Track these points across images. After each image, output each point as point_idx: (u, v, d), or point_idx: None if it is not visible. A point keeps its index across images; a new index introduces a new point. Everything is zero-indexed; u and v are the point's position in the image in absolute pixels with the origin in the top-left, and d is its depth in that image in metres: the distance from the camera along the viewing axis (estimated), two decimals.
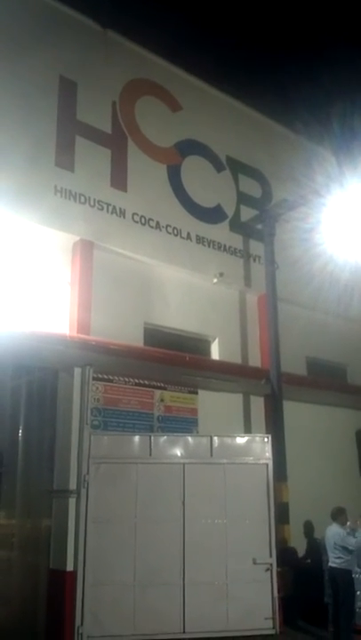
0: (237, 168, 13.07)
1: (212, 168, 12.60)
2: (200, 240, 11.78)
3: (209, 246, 11.90)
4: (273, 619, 8.79)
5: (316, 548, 9.96)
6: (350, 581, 8.54)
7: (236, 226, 12.57)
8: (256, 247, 12.54)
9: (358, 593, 8.85)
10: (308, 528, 10.66)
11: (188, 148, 12.23)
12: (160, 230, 11.16)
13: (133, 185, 10.97)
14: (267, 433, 10.28)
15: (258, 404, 11.42)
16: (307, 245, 12.63)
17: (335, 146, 15.35)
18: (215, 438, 9.43)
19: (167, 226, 11.28)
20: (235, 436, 9.67)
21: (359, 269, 13.84)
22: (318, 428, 12.05)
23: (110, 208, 10.53)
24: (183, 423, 10.35)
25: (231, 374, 10.76)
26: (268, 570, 8.91)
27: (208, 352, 11.69)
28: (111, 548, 8.46)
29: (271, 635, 8.66)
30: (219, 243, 12.09)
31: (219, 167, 12.71)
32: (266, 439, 9.72)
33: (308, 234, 12.40)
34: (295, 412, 11.36)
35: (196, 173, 12.11)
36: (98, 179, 10.51)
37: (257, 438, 9.78)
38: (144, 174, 11.23)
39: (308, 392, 11.96)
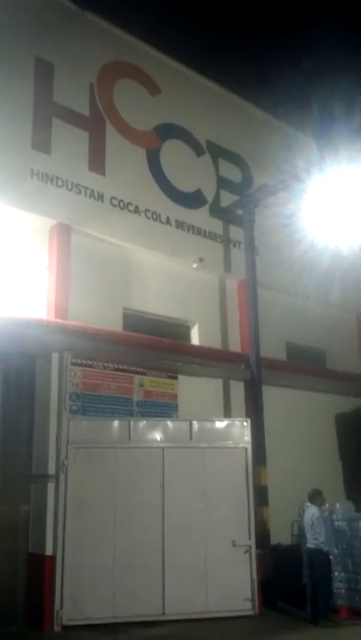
0: (217, 152, 13.00)
1: (192, 152, 12.52)
2: (180, 225, 11.73)
3: (189, 231, 11.84)
4: (252, 600, 8.86)
5: None
6: (327, 562, 8.65)
7: (216, 211, 12.52)
8: (236, 232, 12.50)
9: (335, 573, 8.97)
10: None
11: (168, 131, 12.12)
12: (139, 215, 11.08)
13: (112, 168, 10.86)
14: (246, 417, 10.31)
15: (238, 389, 11.43)
16: (287, 231, 12.61)
17: (316, 131, 15.34)
18: (195, 423, 9.44)
19: (146, 210, 11.21)
20: (214, 421, 9.69)
21: (339, 255, 13.92)
22: (298, 412, 12.10)
23: (88, 192, 10.43)
24: (163, 408, 10.33)
25: (211, 359, 10.76)
26: (247, 552, 8.97)
27: (188, 337, 11.68)
28: (90, 532, 8.46)
29: (250, 616, 8.73)
30: (198, 228, 12.04)
31: (198, 151, 12.63)
32: (245, 423, 9.75)
33: (288, 220, 12.38)
34: (275, 397, 11.39)
35: (175, 157, 12.03)
36: (75, 162, 10.39)
37: (236, 422, 9.81)
38: (123, 158, 11.13)
39: (287, 377, 11.99)
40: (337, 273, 13.95)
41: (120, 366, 9.93)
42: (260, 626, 8.42)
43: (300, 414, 12.10)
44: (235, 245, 12.52)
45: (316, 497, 8.98)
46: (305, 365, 13.02)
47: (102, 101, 11.19)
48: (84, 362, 9.50)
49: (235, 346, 11.90)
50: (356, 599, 8.86)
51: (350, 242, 13.13)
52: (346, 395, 13.25)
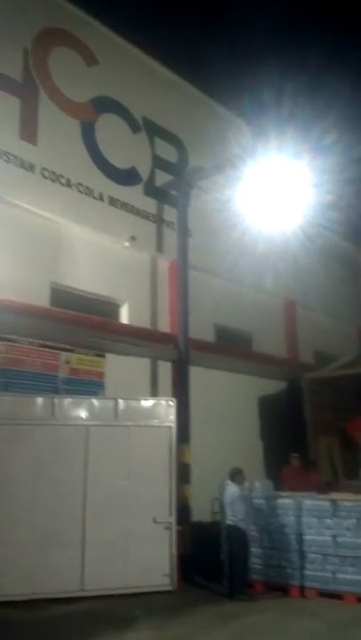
0: (154, 130, 12.87)
1: (128, 128, 12.33)
2: (113, 202, 11.57)
3: (121, 209, 11.71)
4: (171, 575, 8.97)
5: None
6: (245, 538, 8.88)
7: (151, 190, 12.43)
8: (170, 213, 12.46)
9: (253, 549, 9.22)
10: None
11: (104, 105, 11.88)
12: (71, 188, 10.84)
13: (44, 139, 10.54)
14: (173, 397, 10.37)
15: (165, 369, 11.48)
16: (222, 215, 12.74)
17: (253, 118, 15.51)
18: (120, 401, 9.39)
19: (79, 184, 10.97)
20: (140, 399, 9.68)
21: (271, 241, 14.21)
22: (223, 393, 12.32)
23: (18, 161, 10.07)
24: (89, 386, 10.21)
25: (139, 338, 10.76)
26: (167, 528, 9.07)
27: (117, 316, 11.60)
28: (9, 509, 8.27)
29: (169, 591, 8.86)
30: (132, 206, 11.92)
31: (135, 127, 12.46)
32: (171, 403, 9.81)
33: (223, 204, 12.49)
34: (202, 378, 11.54)
35: (110, 132, 11.82)
36: (5, 129, 10.01)
37: (162, 402, 9.84)
38: (56, 128, 10.82)
39: (214, 358, 12.19)
40: (267, 259, 14.26)
41: (46, 342, 9.72)
42: (177, 600, 8.54)
43: (226, 395, 12.33)
44: (168, 226, 12.49)
45: (236, 475, 9.17)
46: (232, 348, 13.25)
47: (37, 68, 10.80)
48: (8, 336, 9.22)
49: (164, 326, 11.92)
50: (272, 574, 9.13)
51: (282, 228, 13.46)
52: (269, 378, 13.63)
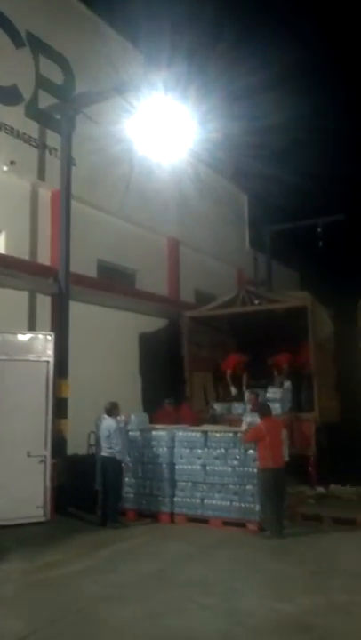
0: (39, 47, 11.91)
1: (10, 42, 11.30)
2: None
3: (0, 129, 10.88)
4: (44, 507, 9.06)
5: None
6: (119, 469, 9.11)
7: (33, 112, 11.60)
8: (53, 139, 11.76)
9: (126, 479, 9.50)
10: None
11: None
12: None
13: None
14: (52, 332, 10.14)
15: (44, 303, 11.14)
16: (110, 148, 12.29)
17: (144, 47, 14.91)
18: None
19: None
20: (16, 333, 9.40)
21: (160, 179, 14.05)
22: (104, 329, 12.26)
23: None
24: None
25: (17, 270, 10.32)
26: (42, 462, 9.07)
27: None
28: None
29: (42, 522, 8.95)
30: (12, 127, 11.09)
31: (17, 42, 11.43)
32: (49, 337, 9.63)
33: (112, 136, 12.04)
34: (82, 313, 11.38)
35: None
36: None
37: (40, 336, 9.65)
38: None
39: (96, 294, 12.03)
40: (154, 196, 14.13)
41: None
42: (50, 531, 8.65)
43: (107, 331, 12.29)
44: (51, 152, 11.83)
45: (113, 410, 9.29)
46: (114, 284, 13.14)
47: None
48: None
49: (44, 258, 11.49)
50: (143, 502, 9.51)
51: (169, 165, 13.31)
52: (151, 315, 13.76)
